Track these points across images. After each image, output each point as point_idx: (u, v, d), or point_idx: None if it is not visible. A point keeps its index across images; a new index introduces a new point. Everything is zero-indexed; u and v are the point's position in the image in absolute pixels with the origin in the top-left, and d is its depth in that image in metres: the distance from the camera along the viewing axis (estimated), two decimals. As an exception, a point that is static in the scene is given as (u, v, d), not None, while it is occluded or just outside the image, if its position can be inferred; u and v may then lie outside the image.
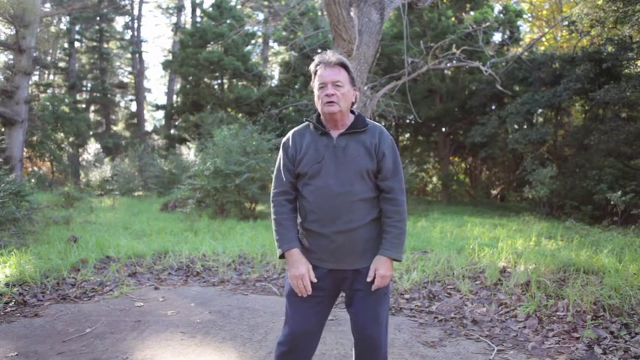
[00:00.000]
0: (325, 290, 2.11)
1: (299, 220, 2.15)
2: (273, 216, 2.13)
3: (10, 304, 4.10)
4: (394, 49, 15.26)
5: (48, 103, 20.22)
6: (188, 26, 25.91)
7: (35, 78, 25.29)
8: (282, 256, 2.09)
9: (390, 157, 2.08)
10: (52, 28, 24.73)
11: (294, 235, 2.10)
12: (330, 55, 2.07)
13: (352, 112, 2.16)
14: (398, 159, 2.12)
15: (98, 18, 25.48)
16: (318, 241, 2.07)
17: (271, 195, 2.18)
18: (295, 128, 2.20)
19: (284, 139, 2.19)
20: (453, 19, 16.19)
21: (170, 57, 25.04)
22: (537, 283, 4.29)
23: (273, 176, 2.21)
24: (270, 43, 27.32)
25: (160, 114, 29.32)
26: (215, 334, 3.55)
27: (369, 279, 2.02)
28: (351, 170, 2.03)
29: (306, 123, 2.17)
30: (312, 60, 2.14)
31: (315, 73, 2.08)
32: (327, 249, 2.06)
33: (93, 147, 19.49)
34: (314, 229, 2.07)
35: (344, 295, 2.21)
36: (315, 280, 2.05)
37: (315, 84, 2.09)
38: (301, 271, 2.03)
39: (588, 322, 3.51)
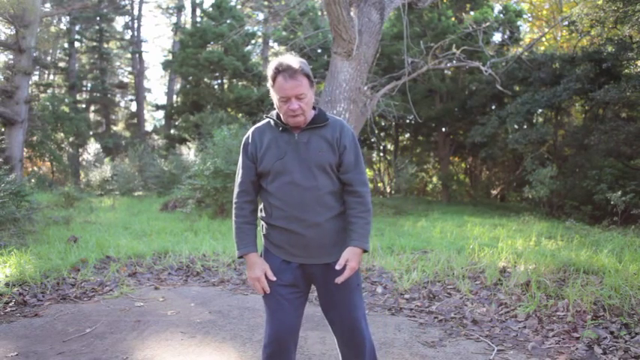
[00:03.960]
0: (299, 286, 2.14)
1: (264, 217, 2.17)
2: (233, 218, 2.18)
3: (10, 304, 4.10)
4: (394, 49, 15.26)
5: (48, 103, 20.22)
6: (188, 26, 25.90)
7: (35, 78, 25.28)
8: (240, 257, 2.15)
9: (351, 151, 2.10)
10: (52, 28, 24.72)
11: (252, 239, 2.14)
12: (290, 62, 1.98)
13: (313, 107, 2.16)
14: (359, 152, 2.14)
15: (98, 18, 25.46)
16: (287, 236, 2.09)
17: (233, 196, 2.21)
18: (255, 125, 2.21)
19: (244, 138, 2.20)
20: (453, 19, 16.18)
21: (170, 57, 25.04)
22: (537, 283, 4.29)
23: (235, 176, 2.23)
24: (270, 43, 27.31)
25: (160, 114, 29.31)
26: (215, 334, 3.55)
27: (338, 267, 2.01)
28: (314, 165, 2.04)
29: (267, 120, 2.18)
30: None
31: (274, 80, 2.00)
32: (296, 244, 2.08)
33: (93, 147, 19.46)
34: (281, 225, 2.08)
35: (317, 295, 2.22)
36: (274, 279, 2.08)
37: (274, 92, 2.02)
38: (257, 274, 2.08)
39: (588, 322, 3.51)
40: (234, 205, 2.18)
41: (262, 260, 2.13)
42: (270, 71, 2.01)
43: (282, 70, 1.97)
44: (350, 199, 2.10)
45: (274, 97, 2.04)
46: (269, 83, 2.04)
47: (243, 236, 2.13)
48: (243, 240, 2.13)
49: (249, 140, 2.16)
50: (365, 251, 2.09)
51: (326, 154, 2.06)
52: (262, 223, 2.20)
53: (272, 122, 2.15)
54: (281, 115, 2.07)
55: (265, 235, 2.19)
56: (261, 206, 2.21)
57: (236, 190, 2.18)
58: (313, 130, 2.08)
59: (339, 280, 2.01)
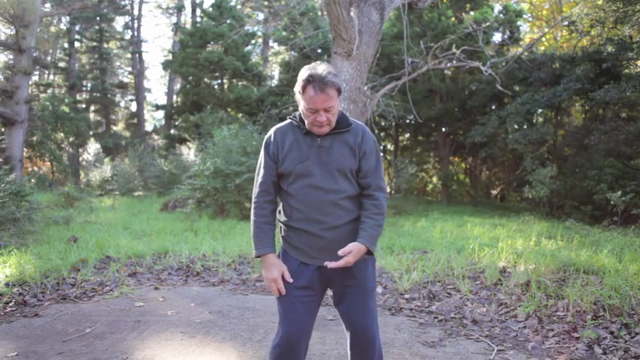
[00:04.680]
0: (315, 289, 2.13)
1: (283, 219, 2.16)
2: (252, 217, 2.17)
3: (10, 304, 4.10)
4: (394, 49, 15.26)
5: (48, 103, 20.22)
6: (188, 26, 25.90)
7: (35, 78, 25.29)
8: (258, 256, 2.15)
9: (372, 156, 2.13)
10: (52, 28, 24.73)
11: (271, 239, 2.14)
12: (322, 73, 1.97)
13: None
14: (379, 158, 2.18)
15: (98, 18, 25.46)
16: (306, 238, 2.09)
17: (253, 195, 2.19)
18: (277, 125, 2.20)
19: (266, 137, 2.19)
20: (453, 19, 16.19)
21: (170, 57, 25.04)
22: (537, 283, 4.29)
23: (255, 175, 2.22)
24: (270, 43, 27.32)
25: (160, 114, 29.33)
26: (215, 334, 3.55)
27: (341, 253, 1.98)
28: (335, 169, 2.06)
29: (289, 121, 2.18)
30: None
31: (304, 88, 1.99)
32: (315, 246, 2.09)
33: (93, 147, 19.47)
34: (301, 227, 2.09)
35: (332, 293, 2.23)
36: (291, 280, 2.09)
37: (302, 100, 2.01)
38: (274, 275, 2.08)
39: (588, 322, 3.51)
40: (253, 205, 2.17)
41: (280, 262, 2.13)
42: (300, 80, 2.01)
43: (312, 82, 1.97)
44: (366, 202, 2.12)
45: (302, 106, 2.04)
46: (297, 89, 2.04)
47: (262, 236, 2.13)
48: (261, 240, 2.13)
49: (271, 140, 2.15)
50: (370, 252, 2.07)
51: (347, 159, 2.08)
52: (280, 225, 2.20)
53: (294, 124, 2.15)
54: (306, 122, 2.08)
55: (284, 237, 2.18)
56: (279, 208, 2.21)
57: (256, 189, 2.17)
58: (336, 135, 2.10)
59: (330, 264, 2.00)
